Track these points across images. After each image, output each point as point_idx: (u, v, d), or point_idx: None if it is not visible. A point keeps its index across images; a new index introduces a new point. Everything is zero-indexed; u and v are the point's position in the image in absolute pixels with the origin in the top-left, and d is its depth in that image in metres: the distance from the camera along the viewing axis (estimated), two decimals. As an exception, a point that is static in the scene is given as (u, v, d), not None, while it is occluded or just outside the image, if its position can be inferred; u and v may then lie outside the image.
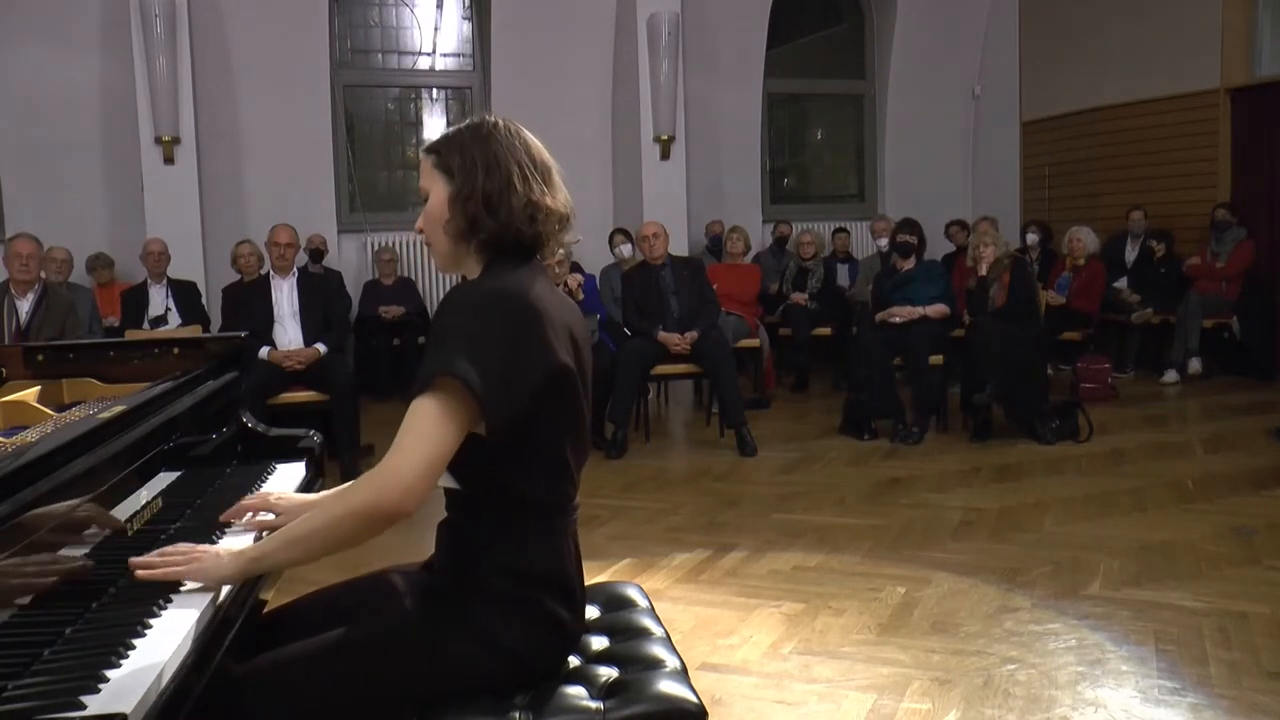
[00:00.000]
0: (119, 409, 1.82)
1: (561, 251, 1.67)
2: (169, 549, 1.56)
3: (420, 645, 1.54)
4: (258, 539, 1.78)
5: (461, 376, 1.45)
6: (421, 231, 1.67)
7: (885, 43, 9.55)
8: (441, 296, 8.45)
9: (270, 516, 1.86)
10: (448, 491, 1.60)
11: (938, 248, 7.86)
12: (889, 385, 5.80)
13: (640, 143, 8.10)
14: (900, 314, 5.92)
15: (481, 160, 1.59)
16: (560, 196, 1.64)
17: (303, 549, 1.53)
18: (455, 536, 1.62)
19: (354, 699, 1.52)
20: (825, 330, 7.63)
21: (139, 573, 1.52)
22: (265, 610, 1.74)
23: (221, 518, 1.86)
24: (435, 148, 1.65)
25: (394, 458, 1.46)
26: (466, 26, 8.69)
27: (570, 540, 1.63)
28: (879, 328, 5.98)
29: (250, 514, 1.88)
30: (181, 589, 1.52)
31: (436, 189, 1.63)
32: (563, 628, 1.60)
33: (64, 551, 1.49)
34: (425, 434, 1.45)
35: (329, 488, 1.97)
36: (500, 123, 1.65)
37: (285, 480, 2.23)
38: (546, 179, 1.63)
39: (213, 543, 1.76)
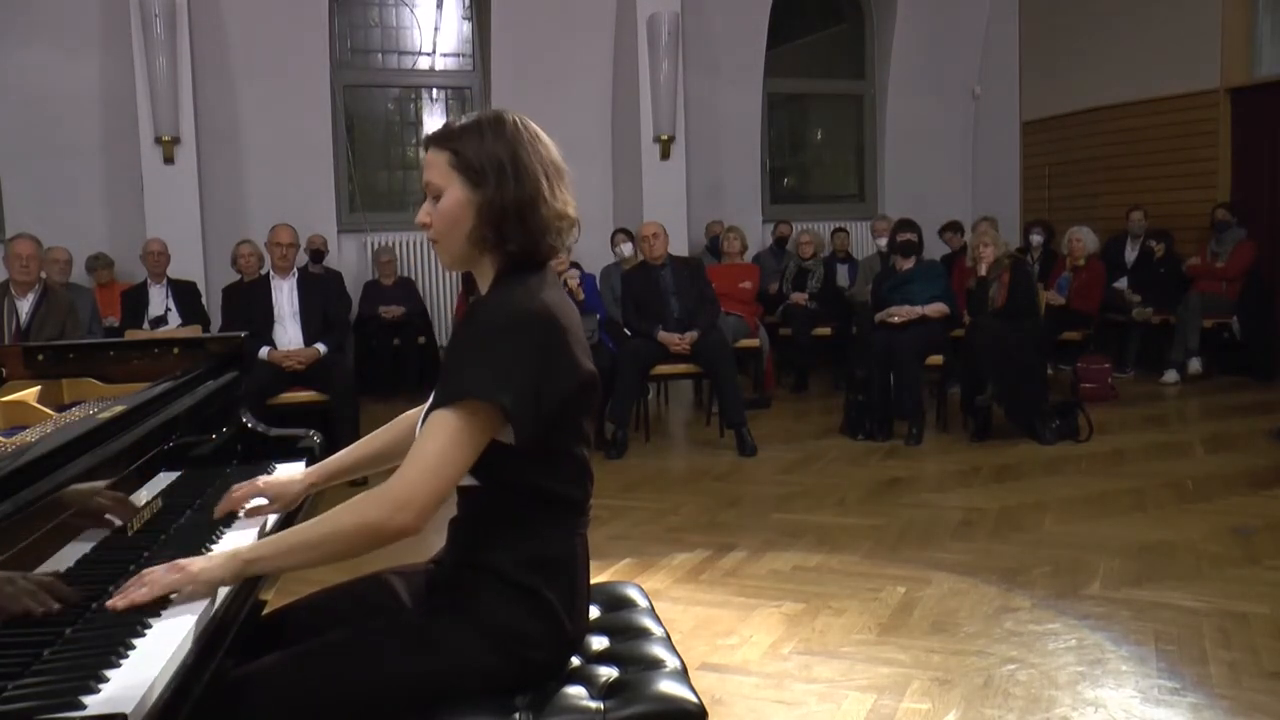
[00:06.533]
0: (119, 409, 1.82)
1: None
2: (145, 572, 1.46)
3: (418, 633, 1.54)
4: (261, 532, 1.78)
5: (492, 399, 1.44)
6: (427, 227, 1.59)
7: (885, 43, 9.55)
8: (441, 296, 8.45)
9: (263, 501, 1.86)
10: (463, 488, 1.58)
11: (935, 249, 7.86)
12: (913, 386, 5.77)
13: (640, 143, 8.10)
14: (899, 314, 5.91)
15: (511, 167, 1.54)
16: (573, 200, 1.61)
17: (302, 556, 1.49)
18: (469, 530, 1.61)
19: (354, 696, 1.49)
20: (825, 330, 7.62)
21: (134, 597, 1.41)
22: (265, 611, 1.73)
23: (216, 513, 1.85)
24: (452, 145, 1.56)
25: (411, 474, 1.43)
26: (466, 26, 8.69)
27: (581, 540, 1.63)
28: (878, 328, 5.98)
29: (243, 508, 1.86)
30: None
31: (455, 190, 1.55)
32: (560, 620, 1.58)
33: (65, 550, 1.49)
34: (445, 455, 1.44)
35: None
36: (516, 120, 1.59)
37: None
38: (564, 184, 1.59)
39: (213, 541, 1.76)
